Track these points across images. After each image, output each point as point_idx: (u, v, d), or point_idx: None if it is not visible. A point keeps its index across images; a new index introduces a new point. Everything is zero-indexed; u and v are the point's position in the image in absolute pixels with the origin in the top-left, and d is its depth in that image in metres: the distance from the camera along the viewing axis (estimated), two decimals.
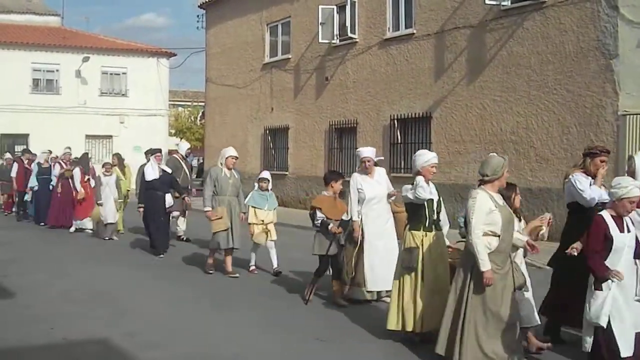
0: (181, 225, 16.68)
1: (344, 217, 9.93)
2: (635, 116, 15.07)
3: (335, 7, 23.44)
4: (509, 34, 17.70)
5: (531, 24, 17.15)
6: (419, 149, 20.10)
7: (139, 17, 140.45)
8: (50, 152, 21.97)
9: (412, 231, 8.02)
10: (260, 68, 28.78)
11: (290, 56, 26.81)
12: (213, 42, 32.78)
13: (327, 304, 10.07)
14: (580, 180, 7.89)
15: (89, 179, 18.40)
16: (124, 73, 40.82)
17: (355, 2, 22.86)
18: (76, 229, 18.32)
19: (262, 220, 12.16)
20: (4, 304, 9.83)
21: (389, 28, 21.98)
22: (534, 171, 16.97)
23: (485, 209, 6.87)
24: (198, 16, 34.42)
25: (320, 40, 23.98)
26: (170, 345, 7.79)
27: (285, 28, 27.45)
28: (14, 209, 22.83)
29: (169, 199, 14.66)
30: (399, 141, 21.49)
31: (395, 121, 21.51)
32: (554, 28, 16.62)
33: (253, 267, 12.43)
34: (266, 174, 12.73)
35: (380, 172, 10.32)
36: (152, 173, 14.38)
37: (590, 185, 7.83)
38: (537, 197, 16.79)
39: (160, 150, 15.55)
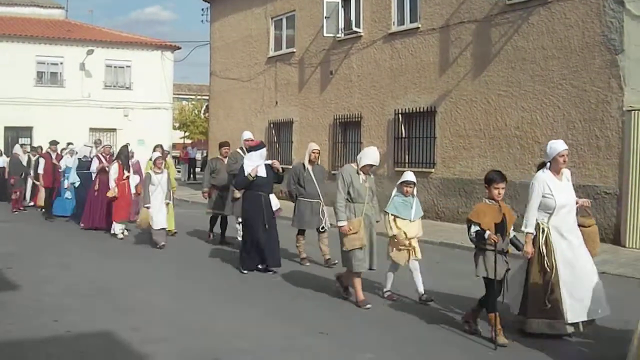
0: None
1: (528, 229, 7.96)
2: None
3: (340, 1, 23.39)
4: (514, 28, 17.66)
5: (536, 18, 17.11)
6: (423, 144, 20.34)
7: (143, 10, 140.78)
8: (91, 146, 20.26)
9: None
10: (265, 62, 28.77)
11: (294, 50, 26.79)
12: (217, 35, 32.76)
13: (331, 296, 10.10)
14: None
15: (127, 177, 16.63)
16: (128, 66, 40.82)
17: None
18: (116, 232, 16.34)
19: (405, 234, 9.73)
20: (9, 297, 9.85)
21: (393, 22, 21.96)
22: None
23: None
24: (203, 9, 34.58)
25: (325, 34, 23.94)
26: (174, 340, 7.79)
27: (289, 22, 27.44)
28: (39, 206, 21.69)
29: (275, 201, 12.37)
30: (404, 135, 21.47)
31: (400, 115, 21.49)
32: (559, 23, 16.58)
33: (389, 293, 10.08)
34: (411, 176, 9.99)
35: (567, 174, 8.34)
36: (261, 170, 11.87)
37: None
38: None
39: (264, 146, 12.69)
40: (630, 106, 15.12)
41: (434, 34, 20.20)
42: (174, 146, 46.57)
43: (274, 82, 28.12)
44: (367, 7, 22.83)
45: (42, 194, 21.22)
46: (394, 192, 9.98)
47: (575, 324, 7.85)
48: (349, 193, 9.60)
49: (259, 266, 11.91)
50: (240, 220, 13.94)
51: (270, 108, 28.43)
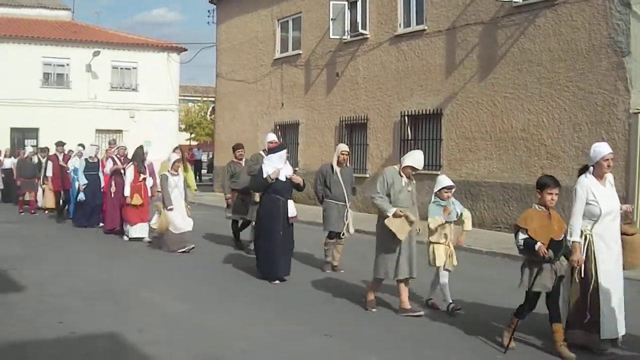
0: None
1: (573, 237, 7.38)
2: None
3: (346, 3, 23.39)
4: (521, 30, 17.62)
5: (543, 20, 17.07)
6: (429, 146, 20.33)
7: (149, 12, 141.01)
8: (98, 147, 20.25)
9: None
10: (271, 63, 28.78)
11: (301, 52, 26.80)
12: (224, 37, 32.78)
13: (335, 298, 10.07)
14: None
15: (144, 179, 16.19)
16: (134, 68, 40.88)
17: None
18: (130, 238, 15.98)
19: (445, 238, 9.31)
20: (13, 298, 9.84)
21: (400, 24, 21.94)
22: (545, 169, 16.88)
23: None
24: (209, 11, 34.53)
25: (331, 36, 23.94)
26: (179, 341, 7.78)
27: (296, 23, 27.45)
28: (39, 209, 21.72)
29: (292, 208, 11.52)
30: (410, 137, 21.44)
31: (406, 117, 21.47)
32: (565, 25, 16.54)
33: (453, 305, 9.26)
34: (449, 180, 9.54)
35: (610, 179, 7.73)
36: (282, 173, 11.33)
37: None
38: None
39: (285, 147, 12.12)
40: (637, 109, 15.07)
41: (440, 36, 20.17)
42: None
43: (280, 84, 28.12)
44: (373, 9, 22.82)
45: (50, 196, 21.00)
46: (432, 200, 9.44)
47: (611, 340, 7.44)
48: (388, 196, 9.01)
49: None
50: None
51: (276, 110, 28.43)
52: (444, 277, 9.32)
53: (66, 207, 20.35)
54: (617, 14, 15.43)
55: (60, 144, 21.64)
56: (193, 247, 14.31)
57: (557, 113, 16.74)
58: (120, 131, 39.36)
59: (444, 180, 9.44)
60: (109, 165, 17.33)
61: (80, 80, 39.14)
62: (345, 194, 12.11)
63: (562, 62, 16.61)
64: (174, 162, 14.55)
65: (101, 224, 17.90)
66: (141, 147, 17.14)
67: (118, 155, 17.47)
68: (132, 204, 15.77)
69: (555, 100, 16.76)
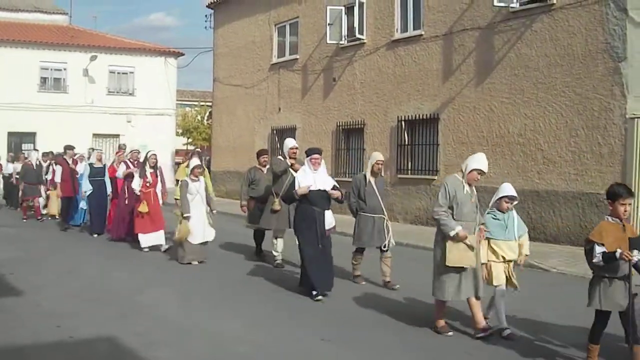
0: (279, 246, 13.21)
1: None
2: None
3: (343, 8, 23.44)
4: (517, 36, 17.68)
5: (539, 26, 17.13)
6: (426, 151, 20.33)
7: (147, 17, 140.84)
8: (102, 152, 19.43)
9: None
10: (268, 68, 28.82)
11: (298, 56, 26.83)
12: (221, 42, 32.82)
13: (339, 303, 10.07)
14: None
15: (150, 184, 15.43)
16: (131, 72, 40.87)
17: (363, 3, 22.88)
18: (149, 248, 15.17)
19: (503, 257, 8.34)
20: (12, 302, 9.84)
21: (397, 29, 21.99)
22: (541, 173, 16.94)
23: None
24: (206, 16, 34.54)
25: (328, 41, 24.00)
26: (178, 345, 7.79)
27: (293, 28, 27.50)
28: (43, 216, 21.39)
29: (329, 218, 10.79)
30: (407, 142, 21.48)
31: (403, 122, 21.50)
32: (562, 30, 16.59)
33: (509, 332, 8.29)
34: (513, 190, 8.49)
35: None
36: (314, 181, 10.69)
37: None
38: (543, 199, 16.77)
39: (320, 152, 11.29)
40: (633, 114, 15.12)
41: (437, 41, 20.22)
42: (177, 152, 46.63)
43: (277, 88, 28.16)
44: (370, 14, 22.87)
45: (55, 202, 20.39)
46: (488, 209, 8.54)
47: None
48: (451, 208, 8.18)
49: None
50: (276, 235, 13.19)
51: (273, 114, 28.45)
52: (500, 299, 8.42)
53: (68, 213, 19.48)
54: (614, 20, 15.48)
55: (70, 148, 20.45)
56: (203, 261, 13.55)
57: (553, 118, 16.78)
58: (117, 135, 39.33)
59: (507, 189, 8.50)
60: (121, 169, 16.56)
61: (78, 85, 39.14)
62: (382, 205, 11.43)
63: (559, 67, 16.66)
64: (194, 168, 13.73)
65: (104, 232, 17.47)
66: (146, 153, 16.16)
67: (131, 160, 16.72)
68: (139, 210, 15.04)
69: (552, 105, 16.80)
